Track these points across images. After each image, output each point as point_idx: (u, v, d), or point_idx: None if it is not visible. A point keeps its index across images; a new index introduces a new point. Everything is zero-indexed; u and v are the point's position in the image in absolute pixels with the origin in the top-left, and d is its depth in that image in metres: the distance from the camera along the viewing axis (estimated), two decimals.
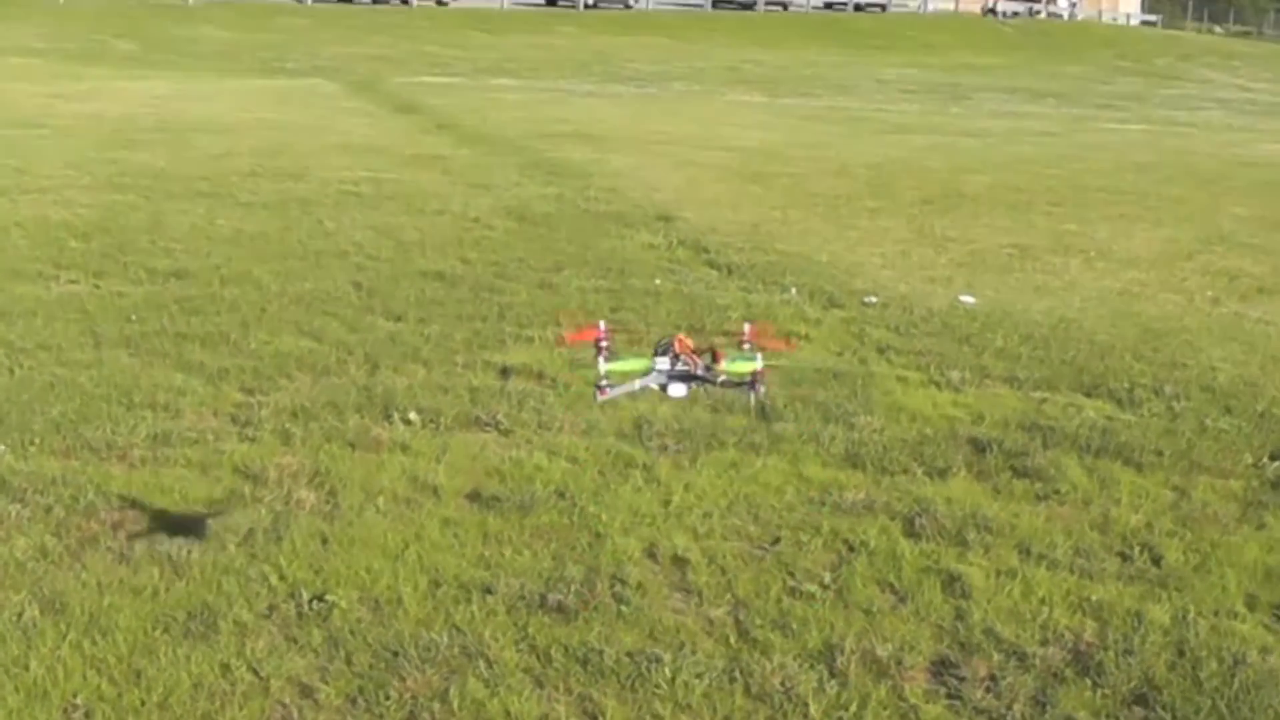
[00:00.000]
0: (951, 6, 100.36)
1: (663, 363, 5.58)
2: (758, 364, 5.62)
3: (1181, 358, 10.59)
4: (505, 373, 9.31)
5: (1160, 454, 8.24)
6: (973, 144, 26.59)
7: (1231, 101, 53.14)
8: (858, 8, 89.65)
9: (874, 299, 12.02)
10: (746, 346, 5.87)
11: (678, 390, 5.59)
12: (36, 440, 7.72)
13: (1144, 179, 21.63)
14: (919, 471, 7.79)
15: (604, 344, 5.72)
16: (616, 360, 5.69)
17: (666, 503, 7.20)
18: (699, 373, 5.62)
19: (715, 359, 5.61)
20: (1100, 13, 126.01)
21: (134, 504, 6.95)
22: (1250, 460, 8.25)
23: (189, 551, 6.33)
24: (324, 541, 6.54)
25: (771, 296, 11.95)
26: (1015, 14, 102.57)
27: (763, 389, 5.64)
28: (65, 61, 37.06)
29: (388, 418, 8.30)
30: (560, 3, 73.95)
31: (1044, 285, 13.29)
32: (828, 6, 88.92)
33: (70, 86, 29.58)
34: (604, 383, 5.56)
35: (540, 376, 9.22)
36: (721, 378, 5.64)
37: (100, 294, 11.15)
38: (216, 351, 9.52)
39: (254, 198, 15.92)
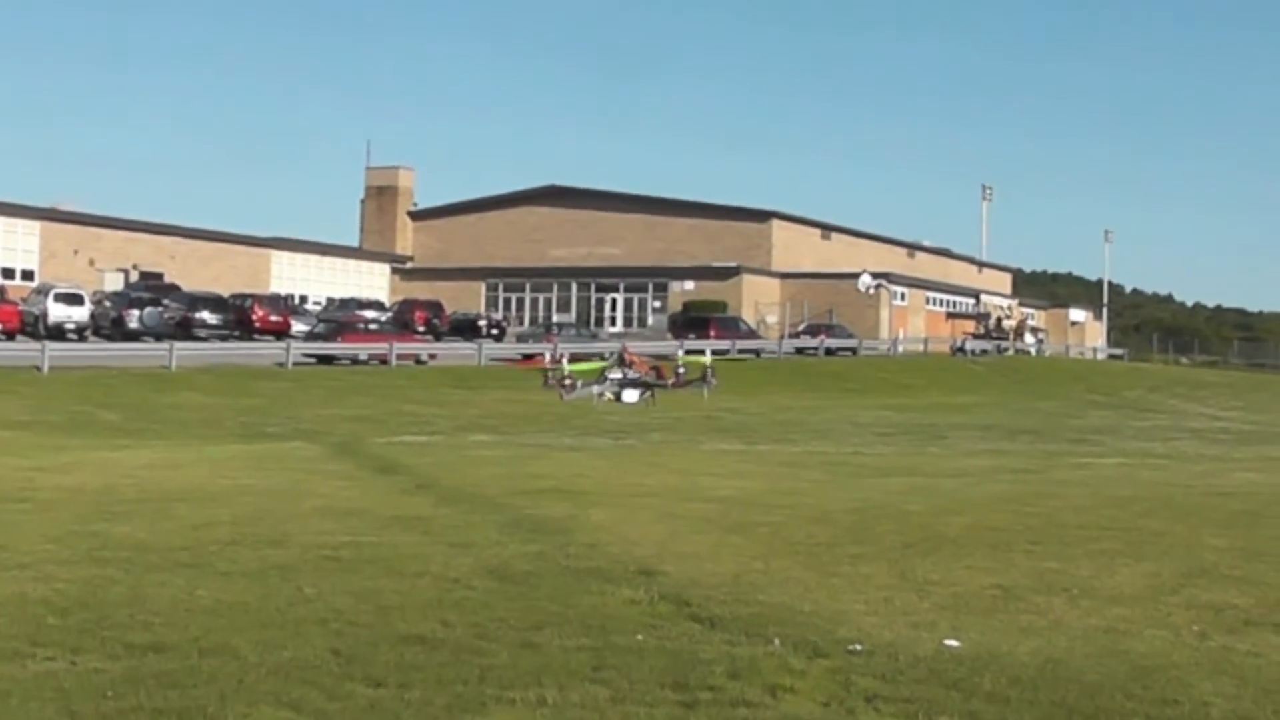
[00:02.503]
0: (921, 348, 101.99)
1: (615, 373, 5.76)
2: (708, 359, 5.82)
3: (1173, 694, 10.52)
4: None
5: None
6: (951, 484, 26.70)
7: (1204, 431, 53.70)
8: (829, 352, 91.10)
9: (859, 647, 11.94)
10: (681, 352, 6.08)
11: (630, 396, 5.76)
12: None
13: (1123, 513, 21.67)
14: None
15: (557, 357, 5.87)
16: (581, 364, 5.84)
17: None
18: (648, 379, 5.80)
19: (660, 375, 5.83)
20: (1068, 347, 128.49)
21: None
22: None
23: None
24: None
25: (755, 649, 11.86)
26: (984, 351, 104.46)
27: (714, 381, 5.85)
28: (48, 433, 37.27)
29: None
30: (538, 357, 75.04)
31: (1029, 625, 13.22)
32: (799, 352, 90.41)
33: (52, 459, 29.68)
34: (568, 381, 5.72)
35: None
36: (673, 379, 5.84)
37: (77, 671, 11.02)
38: None
39: (234, 566, 15.85)
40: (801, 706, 10.06)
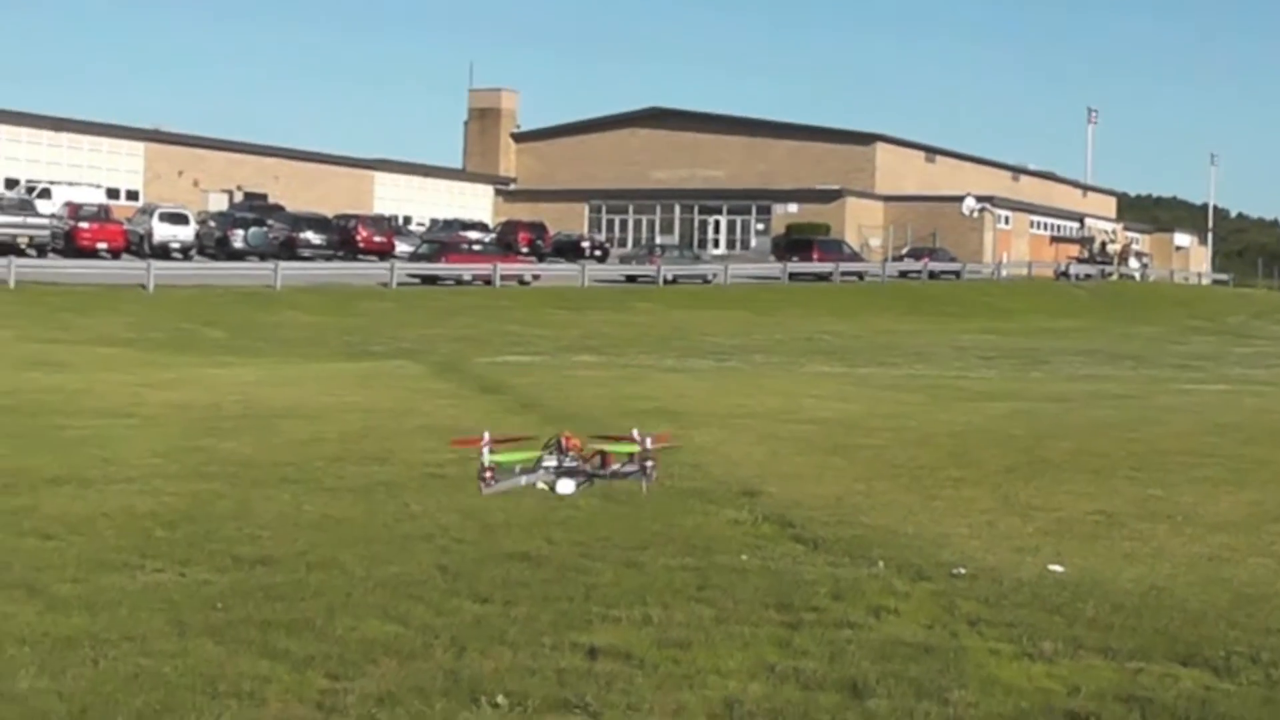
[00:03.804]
0: (1024, 271, 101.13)
1: (550, 460, 5.44)
2: (649, 445, 5.42)
3: (1276, 623, 10.44)
4: (593, 654, 9.25)
5: None
6: (1053, 409, 26.52)
7: None
8: (932, 275, 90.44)
9: (962, 570, 11.94)
10: (637, 431, 5.69)
11: (566, 486, 5.45)
12: None
13: (1225, 440, 21.46)
14: None
15: (489, 445, 5.55)
16: (502, 453, 5.51)
17: None
18: (587, 469, 5.47)
19: (604, 464, 5.48)
20: (1172, 272, 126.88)
21: None
22: None
23: None
24: None
25: (858, 570, 11.88)
26: (1088, 276, 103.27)
27: (654, 475, 5.45)
28: (153, 350, 37.64)
29: (475, 701, 8.25)
30: (640, 280, 74.94)
31: (1132, 552, 13.15)
32: (902, 275, 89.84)
33: (158, 375, 29.98)
34: (488, 474, 5.39)
35: (628, 657, 9.16)
36: (613, 468, 5.48)
37: (186, 583, 11.20)
38: (301, 638, 9.51)
39: (339, 482, 16.01)
40: (905, 629, 10.07)
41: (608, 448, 5.36)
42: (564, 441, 5.34)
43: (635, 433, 5.64)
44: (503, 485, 5.27)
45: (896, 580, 11.56)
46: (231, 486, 15.65)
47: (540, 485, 5.29)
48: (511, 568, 11.71)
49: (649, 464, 5.27)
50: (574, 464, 5.29)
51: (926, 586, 11.38)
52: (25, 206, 65.37)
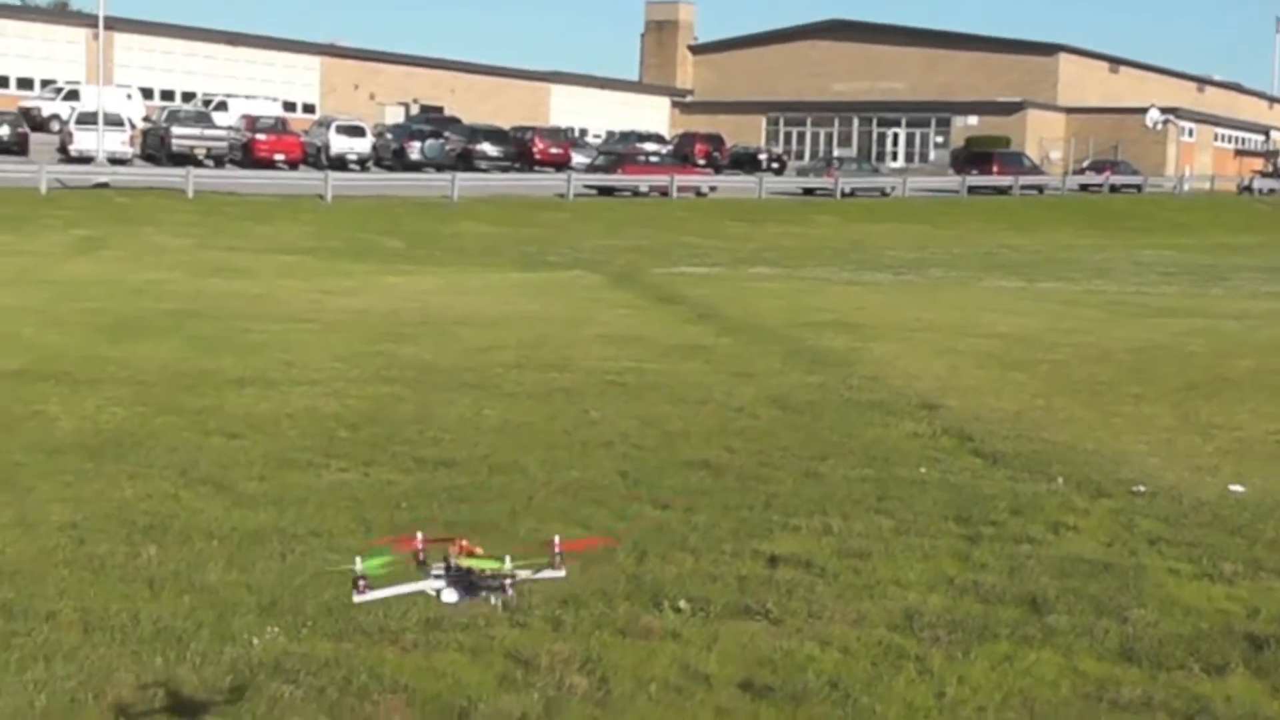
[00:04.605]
0: (1207, 186, 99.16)
1: (437, 568, 5.14)
2: (506, 565, 5.12)
3: None
4: (774, 562, 9.32)
5: None
6: (1234, 326, 26.06)
7: None
8: (1113, 189, 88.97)
9: (1142, 488, 11.83)
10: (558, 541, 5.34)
11: (450, 595, 5.15)
12: (309, 623, 7.92)
13: None
14: (1196, 668, 7.61)
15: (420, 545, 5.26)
16: (377, 557, 5.25)
17: (940, 695, 7.12)
18: (472, 577, 5.16)
19: (495, 574, 5.09)
20: None
21: (406, 688, 7.08)
22: None
23: None
24: None
25: (1038, 486, 11.83)
26: (1271, 190, 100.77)
27: (511, 593, 5.13)
28: (332, 259, 38.03)
29: (657, 606, 8.36)
30: (817, 192, 74.45)
31: None
32: (1083, 189, 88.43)
33: (337, 283, 30.33)
34: (360, 583, 5.10)
35: (809, 566, 9.23)
36: (480, 570, 5.15)
37: (370, 482, 11.42)
38: (486, 539, 9.55)
39: (519, 388, 16.19)
40: (1084, 545, 10.03)
41: (478, 565, 5.05)
42: (453, 548, 5.07)
43: (556, 539, 5.28)
44: (381, 593, 5.00)
45: (1076, 497, 11.50)
46: (412, 391, 15.89)
47: (430, 591, 5.03)
48: (691, 475, 11.81)
49: (508, 581, 4.96)
50: (462, 572, 5.04)
51: (1106, 504, 11.32)
52: (202, 119, 66.40)
